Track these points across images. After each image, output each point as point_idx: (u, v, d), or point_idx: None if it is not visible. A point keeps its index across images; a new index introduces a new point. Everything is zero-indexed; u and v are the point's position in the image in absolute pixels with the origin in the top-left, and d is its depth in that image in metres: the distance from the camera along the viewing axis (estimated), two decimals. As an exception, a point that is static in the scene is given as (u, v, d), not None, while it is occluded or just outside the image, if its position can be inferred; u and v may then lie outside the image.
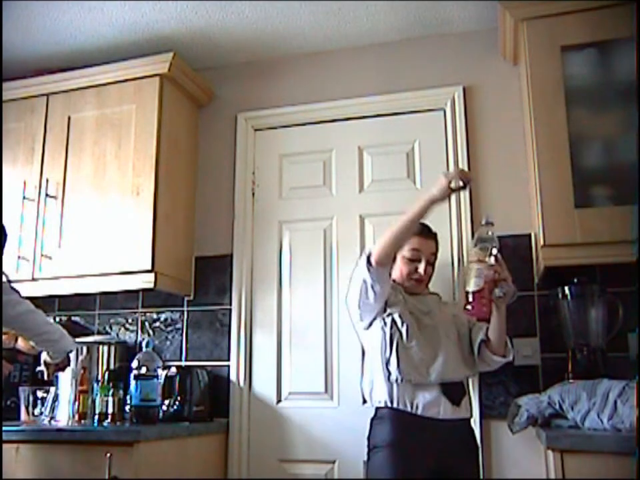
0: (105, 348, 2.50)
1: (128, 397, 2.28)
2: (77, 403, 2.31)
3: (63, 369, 2.29)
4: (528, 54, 2.13)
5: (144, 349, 2.32)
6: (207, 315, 2.65)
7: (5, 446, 1.92)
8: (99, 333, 2.74)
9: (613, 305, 2.08)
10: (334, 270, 2.54)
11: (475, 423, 2.16)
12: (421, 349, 1.89)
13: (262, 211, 2.70)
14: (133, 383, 2.21)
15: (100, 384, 2.26)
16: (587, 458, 1.61)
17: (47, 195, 2.59)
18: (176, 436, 2.19)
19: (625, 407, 1.71)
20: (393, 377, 1.87)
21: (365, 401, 2.39)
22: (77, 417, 2.30)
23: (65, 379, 2.39)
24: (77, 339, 2.40)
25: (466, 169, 2.44)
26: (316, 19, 2.54)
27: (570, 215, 1.97)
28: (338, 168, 2.64)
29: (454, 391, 1.91)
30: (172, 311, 2.69)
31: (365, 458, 1.94)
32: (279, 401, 2.51)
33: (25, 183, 2.64)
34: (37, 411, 2.38)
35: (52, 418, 2.36)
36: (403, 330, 1.90)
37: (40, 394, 2.39)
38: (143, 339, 2.58)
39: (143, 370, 2.22)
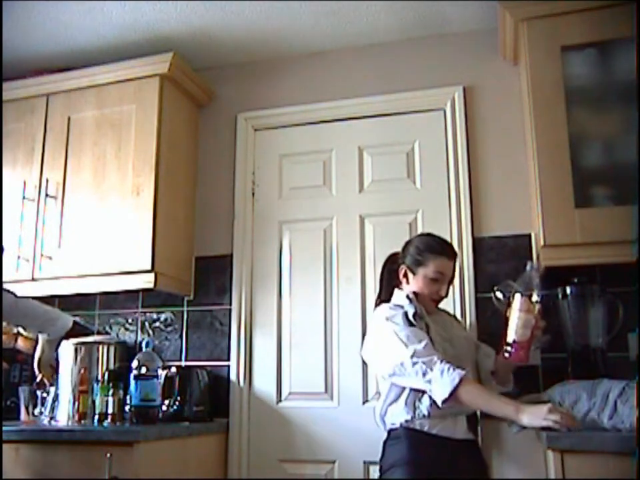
0: (105, 348, 2.50)
1: (128, 397, 2.27)
2: (77, 403, 2.31)
3: (55, 370, 2.32)
4: (528, 54, 2.13)
5: (144, 349, 2.32)
6: (206, 315, 2.65)
7: (5, 446, 1.92)
8: (99, 332, 2.74)
9: (613, 305, 2.07)
10: (334, 270, 2.54)
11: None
12: None
13: (262, 211, 2.70)
14: (132, 382, 2.21)
15: (100, 384, 2.25)
16: (587, 458, 1.61)
17: (46, 195, 2.59)
18: (176, 436, 2.19)
19: (625, 407, 1.71)
20: (421, 412, 1.84)
21: (365, 401, 2.40)
22: (76, 416, 2.29)
23: (65, 378, 2.39)
24: (77, 339, 2.40)
25: (466, 169, 2.44)
26: (316, 18, 2.54)
27: (570, 215, 1.97)
28: (338, 168, 2.64)
29: (472, 420, 1.93)
30: (172, 311, 2.69)
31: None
32: (279, 401, 2.51)
33: (24, 183, 2.64)
34: (36, 411, 2.38)
35: (52, 418, 2.36)
36: None
37: (40, 394, 2.39)
38: (143, 339, 2.58)
39: (143, 370, 2.21)
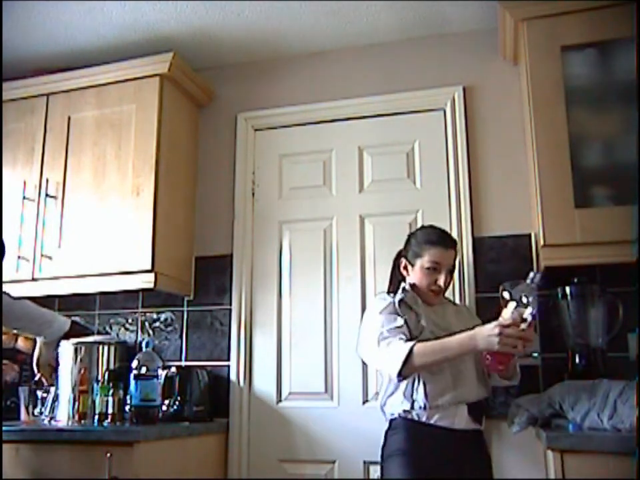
0: (105, 348, 2.50)
1: (128, 397, 2.27)
2: (77, 403, 2.31)
3: (55, 370, 2.31)
4: (528, 54, 2.13)
5: (144, 349, 2.32)
6: (206, 315, 2.65)
7: (5, 446, 1.92)
8: (99, 332, 2.74)
9: (613, 305, 2.07)
10: (334, 270, 2.54)
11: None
12: (444, 376, 1.86)
13: (262, 211, 2.70)
14: (132, 383, 2.21)
15: (100, 384, 2.25)
16: (587, 458, 1.62)
17: (46, 195, 2.59)
18: (176, 436, 2.19)
19: (625, 407, 1.71)
20: (419, 404, 1.85)
21: (365, 401, 2.40)
22: (77, 416, 2.29)
23: (65, 378, 2.39)
24: (77, 339, 2.40)
25: (466, 169, 2.44)
26: (316, 18, 2.54)
27: (570, 214, 1.97)
28: (338, 168, 2.64)
29: (475, 410, 1.90)
30: (172, 311, 2.69)
31: (379, 468, 1.95)
32: (279, 401, 2.51)
33: (24, 183, 2.64)
34: (36, 411, 2.38)
35: (52, 418, 2.36)
36: None
37: (40, 394, 2.39)
38: (143, 339, 2.57)
39: (143, 370, 2.21)
